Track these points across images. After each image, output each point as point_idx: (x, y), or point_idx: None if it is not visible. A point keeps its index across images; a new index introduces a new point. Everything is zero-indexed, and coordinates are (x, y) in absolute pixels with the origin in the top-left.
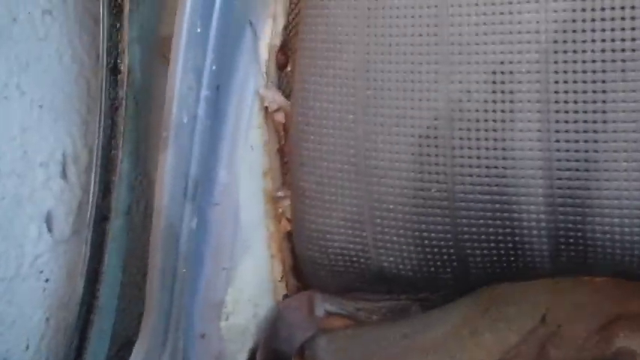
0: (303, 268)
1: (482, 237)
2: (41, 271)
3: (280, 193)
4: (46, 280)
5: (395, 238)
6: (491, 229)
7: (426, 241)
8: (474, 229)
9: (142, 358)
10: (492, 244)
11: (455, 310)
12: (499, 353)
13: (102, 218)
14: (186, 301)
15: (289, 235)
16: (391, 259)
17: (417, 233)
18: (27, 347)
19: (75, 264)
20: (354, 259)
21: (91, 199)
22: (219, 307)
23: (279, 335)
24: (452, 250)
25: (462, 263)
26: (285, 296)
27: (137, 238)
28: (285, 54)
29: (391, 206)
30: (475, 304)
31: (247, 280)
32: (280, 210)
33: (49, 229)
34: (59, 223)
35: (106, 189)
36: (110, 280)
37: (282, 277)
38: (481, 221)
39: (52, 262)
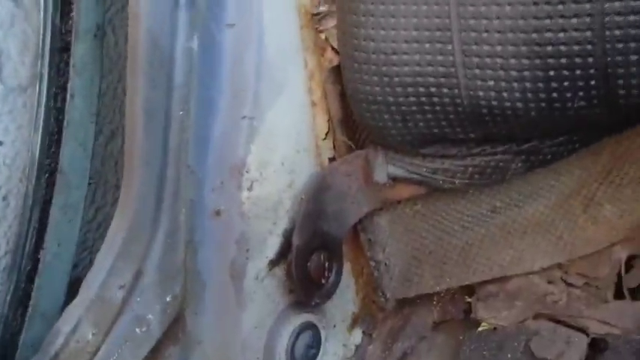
0: (357, 116)
1: None
2: None
3: (323, 8)
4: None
5: (499, 49)
6: None
7: (550, 49)
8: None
9: (123, 239)
10: None
11: (565, 173)
12: (623, 231)
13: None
14: (192, 161)
15: (336, 72)
16: (491, 83)
17: (534, 36)
18: None
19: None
20: (434, 88)
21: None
22: (240, 172)
23: (325, 211)
24: (591, 61)
25: (605, 83)
26: (332, 160)
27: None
28: None
29: None
30: (593, 163)
31: (279, 135)
32: (323, 35)
33: None
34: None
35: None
36: (75, 133)
37: (327, 134)
38: None
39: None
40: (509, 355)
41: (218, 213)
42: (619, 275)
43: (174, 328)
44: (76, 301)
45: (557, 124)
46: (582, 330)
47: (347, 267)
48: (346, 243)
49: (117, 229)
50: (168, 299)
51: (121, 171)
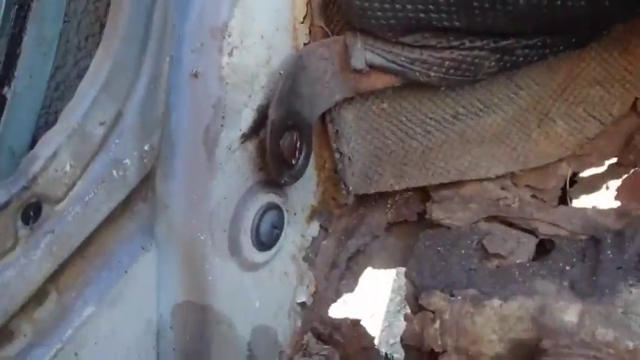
0: None
1: None
2: None
3: None
4: None
5: None
6: None
7: None
8: None
9: (108, 72)
10: None
11: (525, 87)
12: (572, 147)
13: None
14: (175, 18)
15: None
16: None
17: None
18: None
19: None
20: None
21: None
22: (222, 35)
23: (300, 92)
24: None
25: None
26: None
27: None
28: None
29: None
30: (550, 80)
31: (260, 9)
32: None
33: None
34: None
35: None
36: None
37: (304, 17)
38: None
39: None
40: (463, 251)
41: (196, 75)
42: (563, 189)
43: (146, 185)
44: (55, 129)
45: (541, 18)
46: (532, 232)
47: (310, 159)
48: (317, 126)
49: (102, 60)
50: (146, 148)
51: (83, 31)
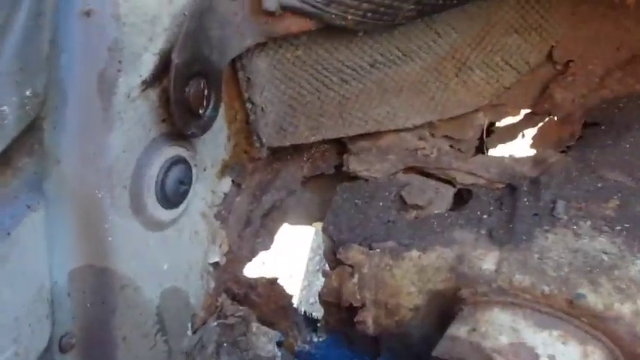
0: None
1: None
2: None
3: None
4: None
5: None
6: None
7: None
8: None
9: None
10: None
11: (444, 35)
12: (489, 96)
13: None
14: None
15: None
16: None
17: None
18: None
19: None
20: None
21: None
22: None
23: (207, 35)
24: None
25: None
26: None
27: None
28: None
29: None
30: (469, 28)
31: None
32: None
33: None
34: None
35: None
36: None
37: None
38: None
39: None
40: (381, 204)
41: (88, 13)
42: (480, 139)
43: (30, 137)
44: None
45: None
46: (450, 182)
47: (220, 111)
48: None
49: None
50: (27, 93)
51: None
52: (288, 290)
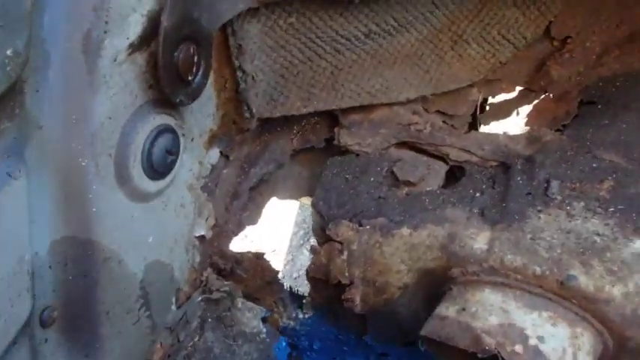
0: None
1: None
2: None
3: None
4: None
5: None
6: None
7: None
8: None
9: None
10: None
11: (441, 6)
12: (485, 71)
13: None
14: None
15: None
16: None
17: None
18: None
19: None
20: None
21: None
22: None
23: None
24: None
25: None
26: None
27: None
28: None
29: None
30: (467, 1)
31: None
32: None
33: None
34: None
35: None
36: None
37: None
38: None
39: None
40: (372, 179)
41: None
42: (474, 115)
43: (11, 100)
44: None
45: None
46: (442, 158)
47: (209, 78)
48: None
49: None
50: (8, 53)
51: None
52: (274, 265)
